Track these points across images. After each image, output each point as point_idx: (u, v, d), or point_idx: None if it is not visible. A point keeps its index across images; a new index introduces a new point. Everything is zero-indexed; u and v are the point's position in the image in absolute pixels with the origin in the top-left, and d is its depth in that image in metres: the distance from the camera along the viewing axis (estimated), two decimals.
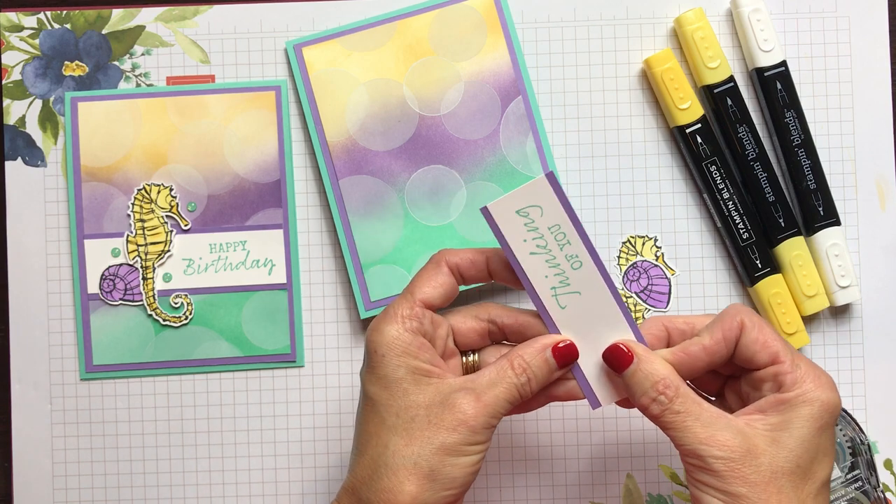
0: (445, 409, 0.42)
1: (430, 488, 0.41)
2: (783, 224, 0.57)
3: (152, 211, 0.57)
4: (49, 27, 0.58)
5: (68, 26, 0.58)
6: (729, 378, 0.46)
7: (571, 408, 0.58)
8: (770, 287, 0.57)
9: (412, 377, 0.43)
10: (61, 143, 0.58)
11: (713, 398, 0.47)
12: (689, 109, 0.56)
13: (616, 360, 0.43)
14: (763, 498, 0.39)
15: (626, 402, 0.45)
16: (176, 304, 0.57)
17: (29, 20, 0.58)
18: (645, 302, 0.58)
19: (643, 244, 0.58)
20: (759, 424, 0.40)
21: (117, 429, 0.58)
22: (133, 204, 0.57)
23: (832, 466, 0.40)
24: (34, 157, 0.58)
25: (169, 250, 0.57)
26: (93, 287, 0.57)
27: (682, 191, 0.58)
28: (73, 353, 0.58)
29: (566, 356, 0.44)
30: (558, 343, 0.44)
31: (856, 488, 0.54)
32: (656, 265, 0.58)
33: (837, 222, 0.57)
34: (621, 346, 0.43)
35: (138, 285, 0.57)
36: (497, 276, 0.45)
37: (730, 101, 0.57)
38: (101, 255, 0.57)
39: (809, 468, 0.40)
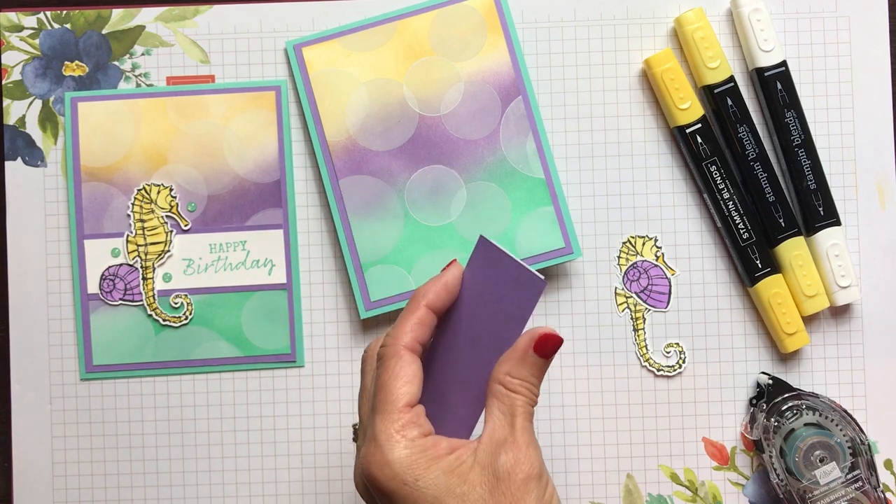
0: (506, 482, 0.38)
1: None
2: (783, 224, 0.57)
3: (152, 211, 0.57)
4: (49, 27, 0.58)
5: (68, 26, 0.58)
6: None
7: (572, 408, 0.58)
8: (770, 287, 0.57)
9: (455, 477, 0.38)
10: (61, 143, 0.58)
11: None
12: (689, 109, 0.56)
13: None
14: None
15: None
16: (176, 304, 0.57)
17: (29, 20, 0.58)
18: (645, 302, 0.58)
19: (643, 244, 0.58)
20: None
21: (117, 429, 0.58)
22: (133, 204, 0.57)
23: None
24: (34, 157, 0.58)
25: (169, 250, 0.57)
26: (93, 287, 0.57)
27: (682, 191, 0.58)
28: (73, 353, 0.58)
29: (551, 345, 0.40)
30: (540, 337, 0.40)
31: (856, 488, 0.54)
32: (656, 265, 0.58)
33: (837, 222, 0.57)
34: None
35: (138, 285, 0.57)
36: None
37: (730, 101, 0.57)
38: (101, 255, 0.57)
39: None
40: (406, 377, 0.40)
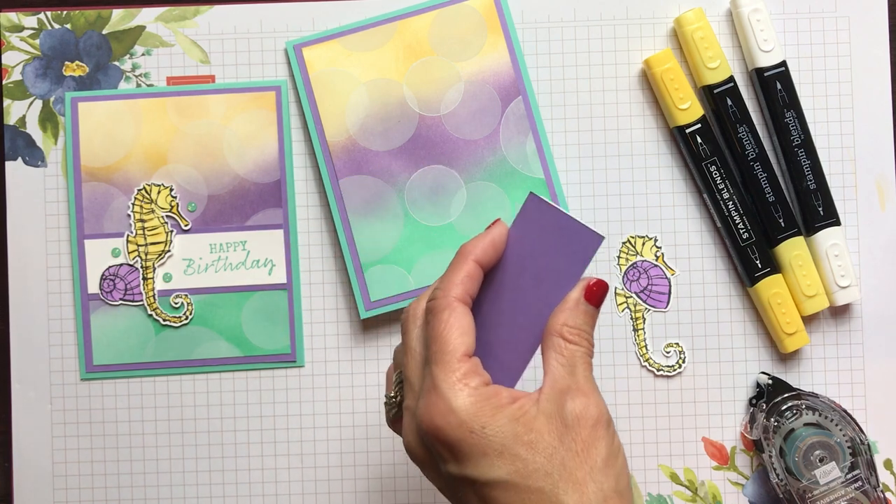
0: (575, 428, 0.38)
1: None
2: (783, 224, 0.57)
3: (152, 211, 0.57)
4: (49, 27, 0.58)
5: (68, 26, 0.58)
6: None
7: None
8: (770, 287, 0.57)
9: (521, 425, 0.37)
10: (61, 144, 0.58)
11: None
12: (689, 109, 0.56)
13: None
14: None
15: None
16: (176, 304, 0.57)
17: (29, 20, 0.58)
18: (645, 302, 0.58)
19: (643, 244, 0.58)
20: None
21: (117, 429, 0.58)
22: (133, 204, 0.57)
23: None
24: (34, 157, 0.58)
25: (169, 250, 0.57)
26: (93, 287, 0.57)
27: (682, 191, 0.59)
28: (74, 353, 0.58)
29: (601, 293, 0.41)
30: (590, 286, 0.40)
31: (856, 488, 0.54)
32: (656, 265, 0.58)
33: (837, 222, 0.57)
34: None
35: (138, 285, 0.57)
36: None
37: (730, 102, 0.57)
38: (101, 255, 0.57)
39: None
40: (462, 328, 0.39)
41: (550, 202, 0.41)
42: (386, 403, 0.43)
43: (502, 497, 0.37)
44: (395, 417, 0.43)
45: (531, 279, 0.41)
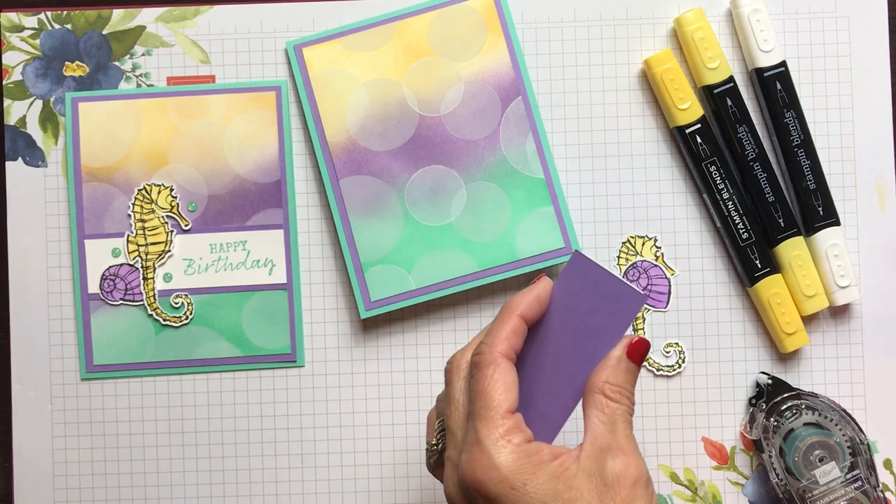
0: (615, 487, 0.39)
1: None
2: (783, 224, 0.57)
3: (153, 211, 0.57)
4: (49, 27, 0.58)
5: (69, 27, 0.58)
6: None
7: None
8: (770, 287, 0.57)
9: (561, 483, 0.38)
10: (62, 144, 0.58)
11: None
12: (689, 109, 0.56)
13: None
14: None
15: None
16: (176, 304, 0.57)
17: (29, 20, 0.58)
18: (645, 302, 0.58)
19: (643, 244, 0.58)
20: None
21: (117, 429, 0.58)
22: (133, 204, 0.57)
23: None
24: (35, 157, 0.58)
25: (169, 250, 0.57)
26: (93, 287, 0.57)
27: (682, 191, 0.59)
28: (74, 353, 0.58)
29: (643, 352, 0.42)
30: (632, 345, 0.42)
31: (856, 488, 0.54)
32: (656, 265, 0.58)
33: (837, 222, 0.57)
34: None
35: (139, 285, 0.57)
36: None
37: (729, 102, 0.57)
38: (101, 255, 0.57)
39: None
40: (506, 384, 0.40)
41: (594, 261, 0.42)
42: (427, 450, 0.44)
43: None
44: (436, 464, 0.44)
45: (574, 335, 0.42)
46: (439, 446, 0.43)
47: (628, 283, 0.42)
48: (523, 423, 0.40)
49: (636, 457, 0.40)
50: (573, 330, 0.42)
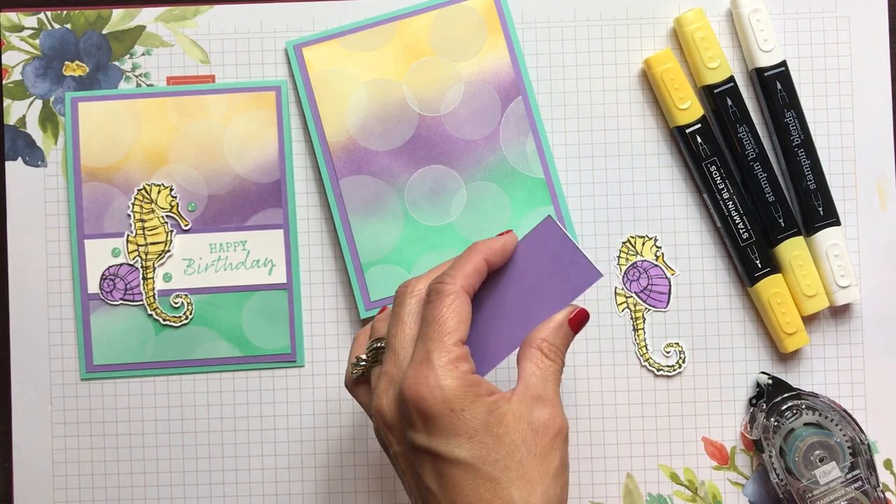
0: (539, 434, 0.41)
1: None
2: (783, 224, 0.57)
3: (152, 211, 0.57)
4: (49, 27, 0.58)
5: (68, 26, 0.58)
6: None
7: (572, 408, 0.58)
8: (770, 287, 0.57)
9: (493, 417, 0.41)
10: (61, 144, 0.58)
11: None
12: (689, 109, 0.56)
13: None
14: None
15: None
16: (176, 304, 0.57)
17: (29, 20, 0.58)
18: (645, 302, 0.58)
19: (643, 244, 0.58)
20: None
21: (117, 429, 0.58)
22: (133, 204, 0.57)
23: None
24: (34, 157, 0.58)
25: (169, 250, 0.57)
26: (93, 287, 0.57)
27: (682, 191, 0.59)
28: (74, 353, 0.58)
29: (582, 322, 0.45)
30: (576, 313, 0.45)
31: (856, 488, 0.54)
32: (656, 265, 0.58)
33: (837, 222, 0.57)
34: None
35: (138, 285, 0.57)
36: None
37: (730, 101, 0.57)
38: (101, 255, 0.57)
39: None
40: (461, 315, 0.42)
41: (563, 229, 0.45)
42: (353, 364, 0.46)
43: (458, 476, 0.40)
44: (357, 379, 0.46)
45: (526, 291, 0.45)
46: (368, 363, 0.45)
47: (590, 259, 0.45)
48: (470, 355, 0.42)
49: (562, 412, 0.42)
50: (526, 286, 0.45)
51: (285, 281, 0.58)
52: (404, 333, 0.43)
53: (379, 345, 0.45)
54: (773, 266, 0.57)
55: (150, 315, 0.57)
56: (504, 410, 0.41)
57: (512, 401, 0.42)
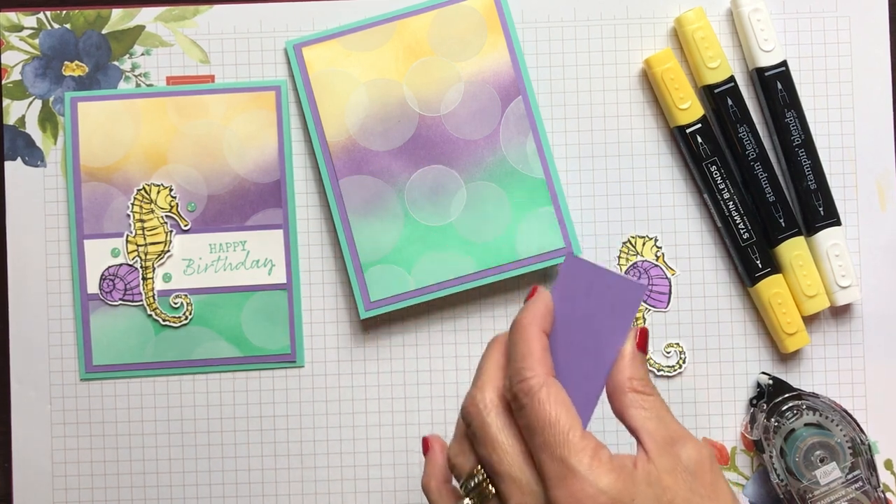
0: (699, 474, 0.38)
1: None
2: (783, 224, 0.57)
3: (152, 211, 0.57)
4: (49, 27, 0.58)
5: (68, 26, 0.58)
6: None
7: None
8: (770, 287, 0.57)
9: (659, 489, 0.37)
10: (61, 144, 0.58)
11: None
12: (689, 109, 0.56)
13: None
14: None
15: None
16: (176, 304, 0.57)
17: (29, 20, 0.58)
18: (645, 302, 0.58)
19: (643, 244, 0.58)
20: None
21: (117, 429, 0.58)
22: (133, 204, 0.57)
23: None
24: (34, 157, 0.58)
25: (169, 250, 0.57)
26: (93, 287, 0.57)
27: (682, 191, 0.58)
28: (73, 353, 0.58)
29: (647, 340, 0.41)
30: (640, 336, 0.41)
31: (856, 488, 0.54)
32: (656, 265, 0.58)
33: (838, 222, 0.57)
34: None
35: (138, 285, 0.57)
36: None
37: (730, 101, 0.57)
38: (100, 255, 0.57)
39: None
40: (566, 403, 0.38)
41: (587, 260, 0.42)
42: None
43: None
44: None
45: (582, 340, 0.41)
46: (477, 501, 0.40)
47: (624, 275, 0.41)
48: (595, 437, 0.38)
49: (695, 438, 0.39)
50: (580, 335, 0.42)
51: (285, 281, 0.58)
52: (511, 455, 0.38)
53: (477, 481, 0.40)
54: (774, 266, 0.57)
55: (150, 315, 0.57)
56: (656, 474, 0.37)
57: (653, 458, 0.38)
